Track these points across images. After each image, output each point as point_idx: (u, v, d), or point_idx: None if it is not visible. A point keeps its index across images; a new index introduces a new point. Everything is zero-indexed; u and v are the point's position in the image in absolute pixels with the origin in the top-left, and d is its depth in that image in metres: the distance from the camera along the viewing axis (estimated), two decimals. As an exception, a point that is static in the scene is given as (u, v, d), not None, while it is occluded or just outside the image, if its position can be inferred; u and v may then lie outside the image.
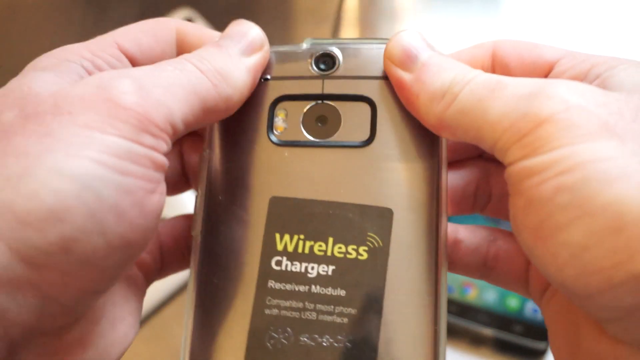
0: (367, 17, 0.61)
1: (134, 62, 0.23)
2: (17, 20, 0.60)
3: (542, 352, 0.45)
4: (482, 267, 0.25)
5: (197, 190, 0.24)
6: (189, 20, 0.59)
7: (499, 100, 0.21)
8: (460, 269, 0.26)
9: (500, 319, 0.45)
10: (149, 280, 0.25)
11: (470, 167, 0.26)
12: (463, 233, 0.25)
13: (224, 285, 0.23)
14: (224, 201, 0.23)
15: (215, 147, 0.24)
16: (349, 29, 0.60)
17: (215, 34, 0.25)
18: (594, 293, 0.18)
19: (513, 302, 0.46)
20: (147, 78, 0.20)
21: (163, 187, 0.21)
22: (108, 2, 0.60)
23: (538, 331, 0.45)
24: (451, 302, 0.46)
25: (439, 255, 0.23)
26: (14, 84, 0.20)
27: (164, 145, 0.20)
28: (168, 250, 0.26)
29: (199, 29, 0.25)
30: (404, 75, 0.23)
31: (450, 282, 0.47)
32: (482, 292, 0.47)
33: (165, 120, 0.20)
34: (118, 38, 0.23)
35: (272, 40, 0.24)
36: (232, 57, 0.23)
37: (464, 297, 0.46)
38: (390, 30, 0.60)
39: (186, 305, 0.23)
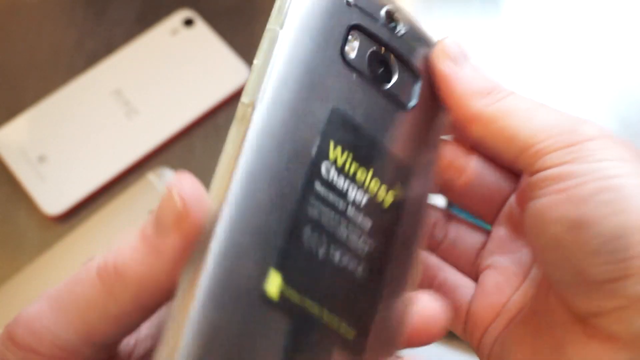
0: (367, 17, 0.61)
1: None
2: (17, 20, 0.60)
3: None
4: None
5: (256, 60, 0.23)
6: (189, 20, 0.58)
7: (547, 114, 0.24)
8: None
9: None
10: None
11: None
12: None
13: (274, 165, 0.21)
14: (291, 86, 0.22)
15: (287, 24, 0.23)
16: (349, 29, 0.60)
17: None
18: (615, 278, 0.21)
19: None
20: (49, 301, 0.21)
21: None
22: (108, 3, 0.60)
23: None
24: (451, 302, 0.46)
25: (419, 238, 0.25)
26: None
27: None
28: None
29: None
30: (453, 67, 0.25)
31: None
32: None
33: (51, 345, 0.20)
34: None
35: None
36: (145, 240, 0.21)
37: (464, 297, 0.46)
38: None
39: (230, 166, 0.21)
